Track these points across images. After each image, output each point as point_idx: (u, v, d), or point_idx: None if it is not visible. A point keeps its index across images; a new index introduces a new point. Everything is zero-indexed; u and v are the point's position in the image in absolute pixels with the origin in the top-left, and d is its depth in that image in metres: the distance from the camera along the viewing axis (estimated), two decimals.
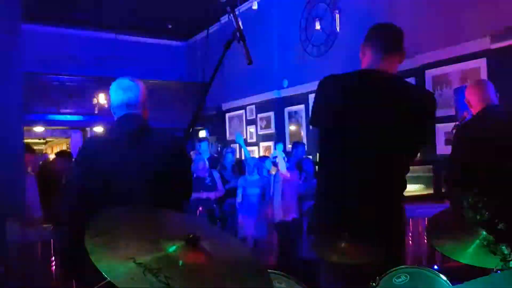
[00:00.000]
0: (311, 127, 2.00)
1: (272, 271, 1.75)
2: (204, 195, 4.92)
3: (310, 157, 5.48)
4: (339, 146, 1.84)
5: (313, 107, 1.91)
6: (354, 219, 1.77)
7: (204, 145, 6.24)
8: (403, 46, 1.90)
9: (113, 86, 2.12)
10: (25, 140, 4.18)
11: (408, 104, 1.82)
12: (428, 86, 5.64)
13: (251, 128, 9.21)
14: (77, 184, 2.05)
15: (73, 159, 2.21)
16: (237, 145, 8.80)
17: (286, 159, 5.28)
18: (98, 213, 1.11)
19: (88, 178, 2.00)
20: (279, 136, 8.36)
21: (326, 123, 1.86)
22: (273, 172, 5.31)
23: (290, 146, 7.14)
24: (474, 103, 2.72)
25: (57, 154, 5.54)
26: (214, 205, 5.05)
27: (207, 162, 5.23)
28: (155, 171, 2.00)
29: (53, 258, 2.86)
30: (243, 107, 9.50)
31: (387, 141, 1.79)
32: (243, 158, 6.63)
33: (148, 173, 1.99)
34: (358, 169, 1.81)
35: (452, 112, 4.77)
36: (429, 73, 5.64)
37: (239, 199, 5.06)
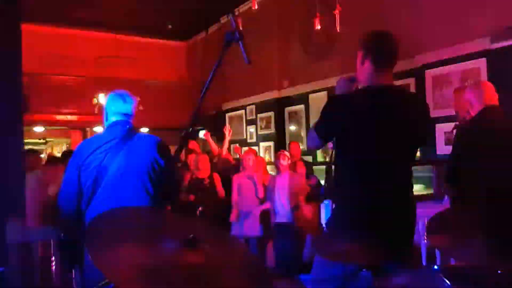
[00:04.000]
0: (311, 126, 2.07)
1: (272, 271, 1.76)
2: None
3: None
4: (356, 158, 1.92)
5: (323, 126, 1.98)
6: (377, 223, 1.84)
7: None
8: (396, 57, 2.04)
9: (113, 96, 2.47)
10: (25, 140, 4.18)
11: (413, 113, 1.96)
12: (428, 86, 5.64)
13: (251, 128, 9.21)
14: (71, 180, 2.27)
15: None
16: (237, 144, 8.80)
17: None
18: (98, 213, 1.11)
19: (80, 176, 2.25)
20: (279, 136, 8.36)
21: (341, 143, 1.96)
22: (273, 173, 5.31)
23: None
24: (474, 104, 2.72)
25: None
26: (213, 205, 5.05)
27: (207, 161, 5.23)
28: (139, 168, 2.28)
29: (53, 258, 2.86)
30: (243, 107, 9.50)
31: (399, 149, 1.90)
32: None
33: (132, 172, 2.26)
34: (376, 177, 1.89)
35: (452, 112, 4.77)
36: (429, 73, 5.64)
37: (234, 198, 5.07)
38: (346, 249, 1.71)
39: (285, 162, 4.95)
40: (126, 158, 2.28)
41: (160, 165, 2.32)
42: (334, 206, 2.11)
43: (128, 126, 2.39)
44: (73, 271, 2.42)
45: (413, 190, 2.05)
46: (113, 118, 2.43)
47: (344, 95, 2.02)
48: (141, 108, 7.56)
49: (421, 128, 1.98)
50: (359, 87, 2.08)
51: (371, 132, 1.89)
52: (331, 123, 1.97)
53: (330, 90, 7.21)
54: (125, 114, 2.43)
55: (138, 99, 2.62)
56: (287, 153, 5.12)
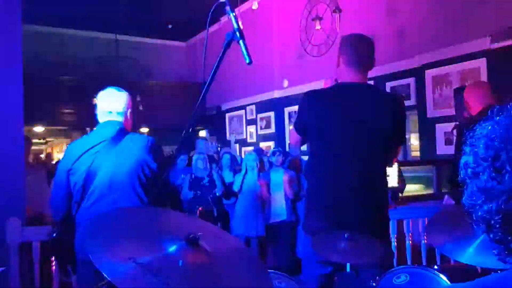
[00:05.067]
0: (291, 128, 2.21)
1: (272, 271, 1.76)
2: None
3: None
4: (326, 154, 2.01)
5: (298, 119, 2.11)
6: (347, 219, 1.88)
7: (200, 143, 6.22)
8: (374, 58, 2.08)
9: (102, 94, 2.38)
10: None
11: (382, 109, 1.99)
12: (428, 86, 5.64)
13: (251, 128, 9.21)
14: (60, 184, 2.22)
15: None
16: (236, 145, 8.80)
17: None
18: (98, 213, 1.11)
19: (68, 179, 2.19)
20: (279, 136, 8.37)
21: (311, 134, 2.05)
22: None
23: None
24: (473, 104, 2.72)
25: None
26: (213, 205, 5.05)
27: (206, 162, 5.22)
28: (130, 171, 2.18)
29: (53, 258, 2.85)
30: (243, 107, 9.50)
31: (368, 145, 1.95)
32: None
33: (121, 174, 2.18)
34: (345, 172, 1.95)
35: (452, 112, 4.78)
36: (429, 73, 5.64)
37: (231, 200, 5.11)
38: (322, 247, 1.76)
39: (279, 158, 5.08)
40: (115, 161, 2.18)
41: (152, 168, 2.21)
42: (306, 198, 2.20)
43: (118, 127, 2.27)
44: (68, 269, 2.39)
45: (386, 184, 2.08)
46: (104, 118, 2.33)
47: (315, 90, 2.13)
48: (141, 108, 7.58)
49: (387, 125, 1.98)
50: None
51: (334, 125, 1.97)
52: (303, 115, 2.08)
53: None
54: (115, 113, 2.32)
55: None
56: (280, 149, 5.23)
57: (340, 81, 2.10)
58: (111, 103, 2.32)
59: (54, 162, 9.66)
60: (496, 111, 0.71)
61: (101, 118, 2.35)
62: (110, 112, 2.32)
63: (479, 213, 0.68)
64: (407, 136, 6.52)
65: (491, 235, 0.68)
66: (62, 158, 2.29)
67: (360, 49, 2.08)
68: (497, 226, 0.66)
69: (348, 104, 1.98)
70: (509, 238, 0.66)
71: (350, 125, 1.95)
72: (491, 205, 0.65)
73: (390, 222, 3.27)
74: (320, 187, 2.02)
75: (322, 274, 1.95)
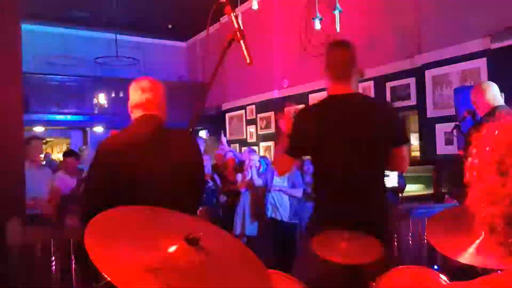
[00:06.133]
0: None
1: (272, 271, 1.76)
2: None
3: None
4: (326, 165, 2.08)
5: (292, 139, 2.12)
6: (350, 221, 1.90)
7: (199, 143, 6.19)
8: (354, 66, 2.10)
9: (133, 86, 2.11)
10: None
11: (374, 114, 2.04)
12: (428, 86, 5.64)
13: (251, 128, 9.21)
14: (95, 185, 1.99)
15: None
16: (237, 144, 8.80)
17: None
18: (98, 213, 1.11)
19: (105, 180, 1.93)
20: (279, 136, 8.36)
21: (310, 150, 2.11)
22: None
23: None
24: (481, 104, 2.72)
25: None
26: (214, 205, 5.06)
27: (209, 164, 5.24)
28: (172, 172, 1.97)
29: (53, 258, 2.85)
30: (243, 107, 9.50)
31: (364, 151, 1.99)
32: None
33: (165, 174, 1.96)
34: (347, 176, 2.00)
35: (452, 112, 4.78)
36: (429, 73, 5.64)
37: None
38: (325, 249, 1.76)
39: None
40: (161, 157, 1.97)
41: (196, 162, 2.04)
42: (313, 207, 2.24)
43: (155, 122, 2.06)
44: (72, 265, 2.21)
45: (385, 190, 2.14)
46: (137, 112, 2.08)
47: (304, 108, 2.23)
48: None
49: (379, 130, 2.02)
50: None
51: (330, 140, 2.02)
52: (298, 135, 2.12)
53: None
54: (148, 106, 2.07)
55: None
56: None
57: (328, 93, 2.17)
58: (144, 96, 2.07)
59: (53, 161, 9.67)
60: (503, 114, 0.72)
61: (136, 112, 2.09)
62: (145, 105, 2.07)
63: (483, 215, 0.68)
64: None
65: (494, 237, 0.68)
66: (99, 152, 1.99)
67: (333, 60, 2.16)
68: (500, 228, 0.66)
69: (338, 116, 2.04)
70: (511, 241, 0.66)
71: (345, 138, 2.00)
72: (495, 208, 0.66)
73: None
74: (327, 197, 2.08)
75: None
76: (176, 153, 2.00)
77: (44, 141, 13.10)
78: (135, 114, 2.08)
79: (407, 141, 2.15)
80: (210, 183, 5.11)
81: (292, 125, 2.13)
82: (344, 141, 2.01)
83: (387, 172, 2.95)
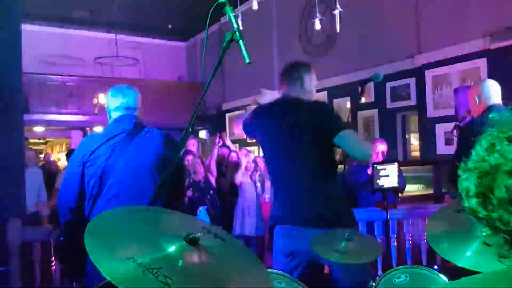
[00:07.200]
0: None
1: (272, 271, 1.76)
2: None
3: None
4: (270, 155, 2.33)
5: (246, 126, 2.43)
6: (295, 212, 2.12)
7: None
8: (292, 75, 2.40)
9: (112, 91, 2.31)
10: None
11: (305, 111, 2.23)
12: (428, 86, 5.64)
13: None
14: (73, 176, 2.12)
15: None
16: (237, 144, 8.79)
17: None
18: (98, 213, 1.11)
19: (83, 174, 2.10)
20: None
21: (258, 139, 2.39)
22: None
23: None
24: (479, 103, 2.71)
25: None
26: (214, 205, 5.05)
27: (202, 164, 5.23)
28: (149, 166, 2.13)
29: (53, 258, 2.86)
30: (243, 107, 9.50)
31: (301, 144, 2.18)
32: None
33: (142, 168, 2.12)
34: (288, 169, 2.21)
35: (452, 112, 4.78)
36: (429, 73, 5.64)
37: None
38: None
39: None
40: (134, 154, 2.11)
41: (170, 161, 2.10)
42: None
43: (135, 120, 2.23)
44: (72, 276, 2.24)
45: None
46: (117, 114, 2.25)
47: (263, 105, 2.43)
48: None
49: (319, 121, 2.18)
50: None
51: (272, 134, 2.27)
52: (251, 125, 2.41)
53: (330, 90, 7.21)
54: (128, 108, 2.25)
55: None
56: None
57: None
58: (125, 99, 2.26)
59: (52, 160, 9.67)
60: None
61: (115, 114, 2.27)
62: (125, 107, 2.25)
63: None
64: (406, 136, 6.54)
65: (494, 238, 0.68)
66: (77, 150, 2.17)
67: (283, 71, 2.46)
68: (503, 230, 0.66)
69: (280, 114, 2.27)
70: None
71: (283, 133, 2.22)
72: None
73: (390, 222, 3.29)
74: (275, 183, 2.33)
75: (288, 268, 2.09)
76: (149, 151, 2.18)
77: (44, 141, 13.12)
78: (116, 115, 2.29)
79: (340, 128, 2.13)
80: (201, 183, 5.11)
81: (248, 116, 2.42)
82: (280, 138, 2.23)
83: (388, 171, 2.99)
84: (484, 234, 0.70)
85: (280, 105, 2.32)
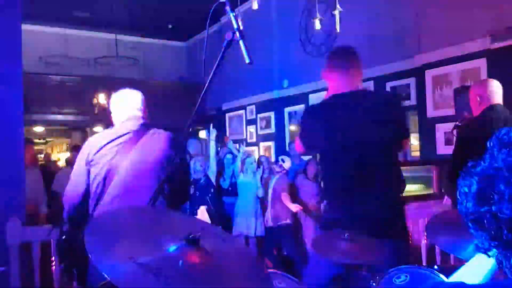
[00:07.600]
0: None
1: (272, 271, 1.76)
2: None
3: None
4: (337, 160, 2.08)
5: (304, 133, 2.16)
6: (358, 219, 1.91)
7: (192, 144, 6.13)
8: (360, 65, 2.15)
9: (118, 95, 2.32)
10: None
11: (377, 107, 2.04)
12: (428, 86, 5.64)
13: (251, 128, 9.21)
14: (79, 175, 2.14)
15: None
16: (237, 144, 8.79)
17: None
18: (98, 212, 1.11)
19: (88, 170, 2.11)
20: (279, 137, 8.36)
21: (320, 146, 2.13)
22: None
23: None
24: (480, 102, 2.71)
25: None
26: (214, 204, 5.05)
27: (204, 164, 5.23)
28: (154, 167, 2.12)
29: (53, 258, 2.86)
30: (243, 107, 9.50)
31: (372, 143, 1.98)
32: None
33: (146, 169, 2.12)
34: (356, 173, 1.99)
35: (452, 112, 4.77)
36: (429, 73, 5.64)
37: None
38: (340, 248, 1.74)
39: (279, 169, 5.12)
40: (140, 154, 2.12)
41: (176, 162, 2.10)
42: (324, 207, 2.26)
43: (142, 121, 2.24)
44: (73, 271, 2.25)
45: (405, 184, 2.13)
46: (123, 116, 2.27)
47: (313, 105, 2.29)
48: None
49: (390, 120, 2.03)
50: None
51: (337, 135, 2.02)
52: (306, 131, 2.15)
53: None
54: (136, 110, 2.27)
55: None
56: (285, 164, 5.22)
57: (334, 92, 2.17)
58: (131, 102, 2.29)
59: (52, 160, 9.67)
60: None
61: (120, 116, 2.29)
62: (131, 109, 2.27)
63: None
64: None
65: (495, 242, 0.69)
66: (83, 149, 2.18)
67: (346, 59, 2.18)
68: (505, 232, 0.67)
69: (345, 112, 2.04)
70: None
71: (351, 132, 2.00)
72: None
73: None
74: (336, 189, 2.10)
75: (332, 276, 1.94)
76: (155, 152, 2.16)
77: (44, 141, 13.12)
78: (123, 117, 2.29)
79: (405, 135, 2.13)
80: (202, 181, 5.11)
81: (301, 122, 2.18)
82: (347, 138, 2.01)
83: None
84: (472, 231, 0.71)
85: (354, 97, 2.07)
